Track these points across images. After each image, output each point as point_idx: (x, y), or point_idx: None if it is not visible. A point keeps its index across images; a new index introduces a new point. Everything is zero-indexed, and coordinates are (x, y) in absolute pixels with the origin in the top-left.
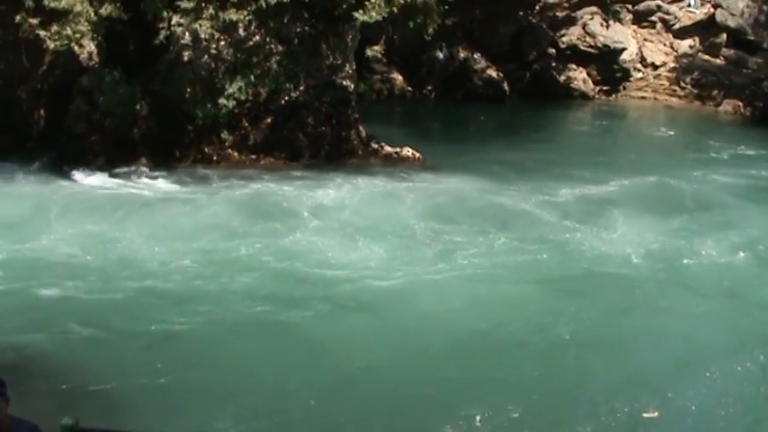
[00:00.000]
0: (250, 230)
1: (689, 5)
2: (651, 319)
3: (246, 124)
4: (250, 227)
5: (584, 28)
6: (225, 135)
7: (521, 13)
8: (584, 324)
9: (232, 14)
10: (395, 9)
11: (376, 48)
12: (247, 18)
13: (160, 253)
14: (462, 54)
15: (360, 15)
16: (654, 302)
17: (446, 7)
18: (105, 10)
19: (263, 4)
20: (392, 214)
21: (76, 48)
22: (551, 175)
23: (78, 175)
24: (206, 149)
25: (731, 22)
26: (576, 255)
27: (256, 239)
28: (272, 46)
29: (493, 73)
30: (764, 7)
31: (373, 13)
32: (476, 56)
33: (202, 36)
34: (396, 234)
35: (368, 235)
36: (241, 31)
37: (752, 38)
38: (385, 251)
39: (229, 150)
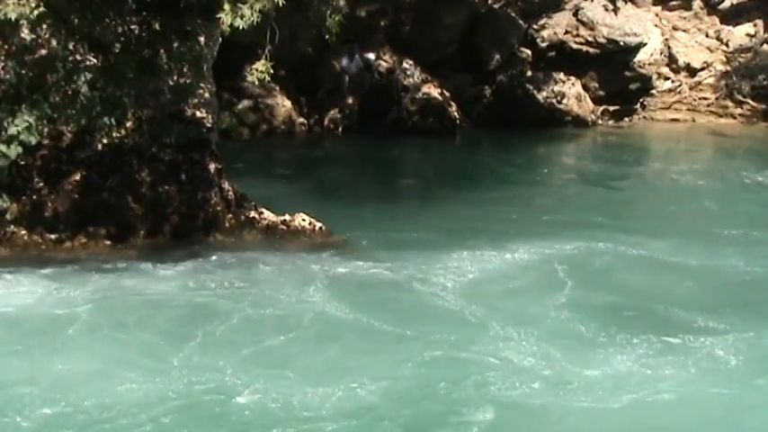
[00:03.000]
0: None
1: None
2: None
3: (41, 184)
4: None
5: (575, 15)
6: (4, 203)
7: None
8: None
9: (10, 8)
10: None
11: (260, 67)
12: (36, 13)
13: None
14: (385, 62)
15: (227, 17)
16: None
17: None
18: None
19: None
20: (279, 345)
21: None
22: (523, 260)
23: None
24: None
25: None
26: None
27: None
28: (80, 56)
29: (434, 91)
30: None
31: (247, 12)
32: (406, 64)
33: None
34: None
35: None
36: (26, 34)
37: None
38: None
39: (12, 227)
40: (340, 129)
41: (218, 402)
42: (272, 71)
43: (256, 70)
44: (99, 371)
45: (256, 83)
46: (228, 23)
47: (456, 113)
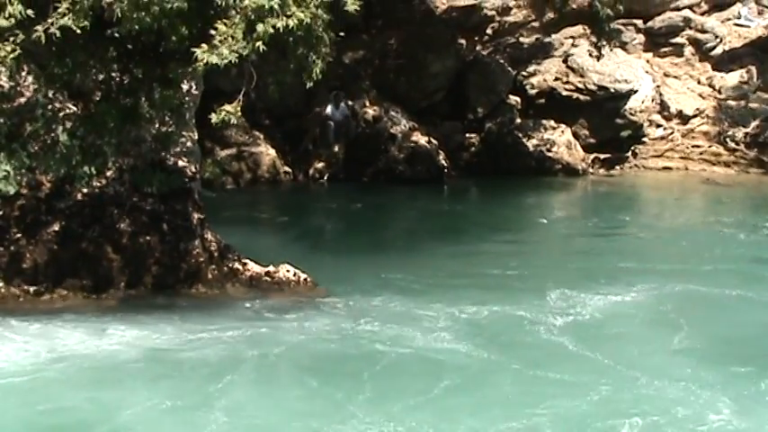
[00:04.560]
0: None
1: (738, 16)
2: None
3: (19, 235)
4: None
5: (565, 61)
6: None
7: (462, 41)
8: None
9: None
10: (259, 43)
11: (229, 108)
12: (12, 57)
13: None
14: (371, 110)
15: (203, 54)
16: None
17: (341, 35)
18: None
19: (40, 35)
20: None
21: None
22: (506, 313)
23: None
24: None
25: None
26: None
27: None
28: (59, 104)
29: (421, 139)
30: None
31: (225, 51)
32: (393, 112)
33: None
34: None
35: None
36: (5, 81)
37: None
38: None
39: None
40: (326, 177)
41: None
42: (238, 113)
43: (224, 111)
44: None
45: (218, 124)
46: (204, 61)
47: (444, 161)
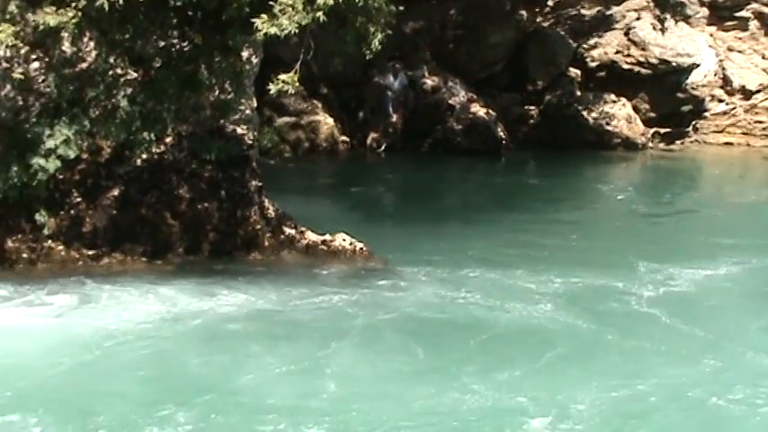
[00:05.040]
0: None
1: None
2: None
3: (79, 200)
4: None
5: (626, 34)
6: (42, 217)
7: (522, 12)
8: None
9: (50, 17)
10: (319, 14)
11: (286, 77)
12: (74, 23)
13: None
14: (430, 80)
15: (263, 24)
16: None
17: (401, 7)
18: None
19: (102, 2)
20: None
21: None
22: (562, 287)
23: None
24: (10, 242)
25: None
26: None
27: None
28: (120, 70)
29: (480, 110)
30: None
31: (284, 22)
32: (452, 83)
33: (1, 53)
34: None
35: None
36: (67, 46)
37: None
38: None
39: (50, 243)
40: (383, 147)
41: None
42: (296, 83)
43: (281, 81)
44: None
45: (274, 94)
46: (264, 31)
47: (502, 133)
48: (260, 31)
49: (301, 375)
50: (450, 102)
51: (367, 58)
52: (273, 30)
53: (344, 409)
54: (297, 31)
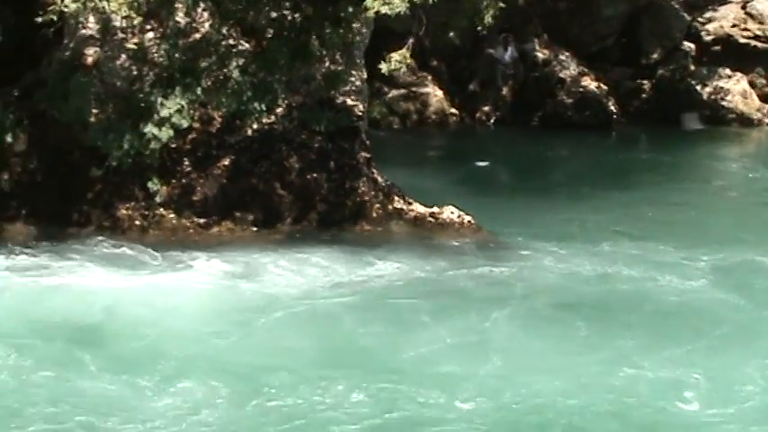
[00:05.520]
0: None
1: None
2: None
3: (190, 168)
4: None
5: (744, 7)
6: (154, 185)
7: None
8: None
9: None
10: None
11: (398, 55)
12: None
13: None
14: (542, 54)
15: (374, 3)
16: None
17: None
18: None
19: None
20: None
21: None
22: (672, 262)
23: None
24: (123, 209)
25: None
26: None
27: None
28: (233, 41)
29: (591, 84)
30: None
31: (396, 0)
32: (563, 56)
33: (117, 23)
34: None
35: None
36: (181, 17)
37: None
38: None
39: (162, 211)
40: (492, 120)
41: None
42: (408, 61)
43: (394, 59)
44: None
45: (386, 72)
46: (375, 10)
47: (613, 108)
48: (370, 9)
49: (464, 347)
50: (560, 75)
51: (480, 32)
52: (384, 9)
53: (512, 382)
54: (408, 9)
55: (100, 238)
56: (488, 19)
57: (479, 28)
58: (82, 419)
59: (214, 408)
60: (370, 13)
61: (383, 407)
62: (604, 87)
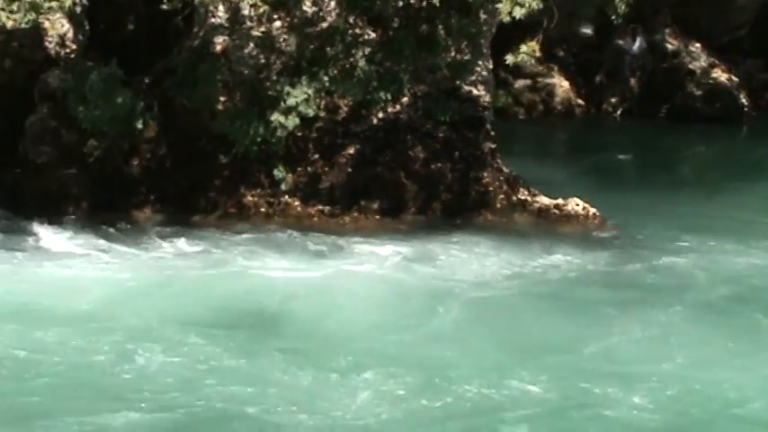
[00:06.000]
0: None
1: None
2: None
3: (316, 156)
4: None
5: None
6: (280, 173)
7: None
8: None
9: None
10: None
11: (526, 47)
12: None
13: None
14: (670, 44)
15: (505, 5)
16: None
17: None
18: None
19: None
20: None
21: (44, 25)
22: None
23: (41, 231)
24: (249, 196)
25: None
26: None
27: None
28: (359, 30)
29: (722, 76)
30: None
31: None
32: (693, 47)
33: (246, 12)
34: None
35: None
36: (308, 5)
37: None
38: None
39: (287, 198)
40: (619, 112)
41: None
42: (537, 53)
43: (521, 52)
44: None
45: (511, 64)
46: (507, 12)
47: (744, 101)
48: (502, 14)
49: (644, 342)
50: (690, 66)
51: (615, 21)
52: (517, 11)
53: (696, 379)
54: (540, 6)
55: (225, 226)
56: (622, 8)
57: (613, 18)
58: (278, 410)
59: (398, 400)
60: (505, 18)
61: (566, 403)
62: (735, 79)
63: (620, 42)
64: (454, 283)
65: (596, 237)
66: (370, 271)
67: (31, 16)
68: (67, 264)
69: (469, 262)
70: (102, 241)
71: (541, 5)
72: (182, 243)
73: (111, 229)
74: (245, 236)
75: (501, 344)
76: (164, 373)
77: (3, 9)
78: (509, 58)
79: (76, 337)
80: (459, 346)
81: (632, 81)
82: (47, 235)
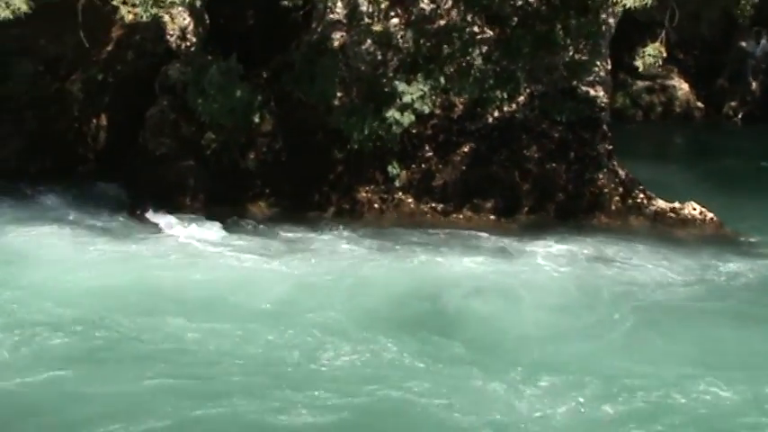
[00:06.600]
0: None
1: None
2: None
3: (430, 154)
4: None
5: None
6: (394, 170)
7: None
8: None
9: None
10: None
11: (652, 48)
12: None
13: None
14: None
15: None
16: None
17: None
18: None
19: None
20: None
21: (165, 19)
22: None
23: (160, 222)
24: (363, 191)
25: None
26: None
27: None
28: (476, 28)
29: None
30: None
31: None
32: None
33: (364, 8)
34: None
35: None
36: (426, 3)
37: None
38: None
39: (401, 194)
40: (740, 116)
41: None
42: (663, 55)
43: (647, 54)
44: None
45: (641, 69)
46: (622, 3)
47: None
48: (616, 5)
49: None
50: None
51: (741, 22)
52: (630, 2)
53: None
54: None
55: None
56: (748, 9)
57: (740, 19)
58: (455, 411)
59: (577, 407)
60: (618, 7)
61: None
62: None
63: (743, 45)
64: (642, 287)
65: (708, 241)
66: (557, 270)
67: (153, 10)
68: (229, 258)
69: (637, 266)
70: (208, 233)
71: (656, 2)
72: (335, 239)
73: (245, 223)
74: (395, 231)
75: (690, 351)
76: (350, 369)
77: (124, 3)
78: (638, 63)
79: (267, 332)
80: (648, 355)
81: (754, 84)
82: (163, 225)
